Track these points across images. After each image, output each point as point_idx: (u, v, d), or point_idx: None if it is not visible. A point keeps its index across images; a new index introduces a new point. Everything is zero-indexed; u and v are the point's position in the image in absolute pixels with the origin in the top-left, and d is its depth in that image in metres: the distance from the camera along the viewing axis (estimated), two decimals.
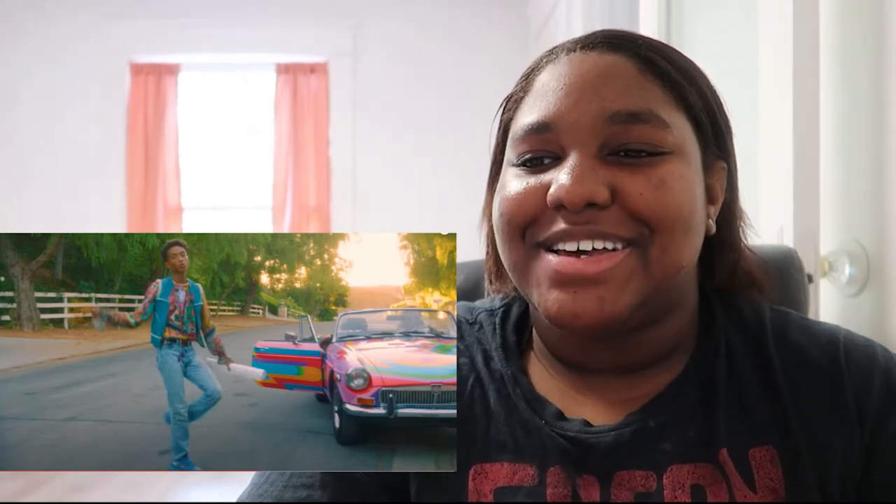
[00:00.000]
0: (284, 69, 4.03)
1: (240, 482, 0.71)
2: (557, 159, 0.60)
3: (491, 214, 0.67)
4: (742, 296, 0.69)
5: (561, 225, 0.58)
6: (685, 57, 0.64)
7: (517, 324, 0.72)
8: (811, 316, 0.91)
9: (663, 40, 0.95)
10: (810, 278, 1.00)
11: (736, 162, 0.68)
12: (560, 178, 0.57)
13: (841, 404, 0.61)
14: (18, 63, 3.95)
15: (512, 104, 0.66)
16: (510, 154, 0.64)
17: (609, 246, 0.58)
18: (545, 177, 0.60)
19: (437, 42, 4.00)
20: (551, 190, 0.58)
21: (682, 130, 0.60)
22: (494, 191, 0.67)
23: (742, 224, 0.69)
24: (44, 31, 3.94)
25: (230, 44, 3.98)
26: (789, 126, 1.09)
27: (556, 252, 0.59)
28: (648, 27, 1.84)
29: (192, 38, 3.97)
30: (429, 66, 4.00)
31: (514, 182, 0.61)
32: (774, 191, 1.13)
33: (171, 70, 4.02)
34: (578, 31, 2.65)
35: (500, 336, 0.70)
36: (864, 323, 1.07)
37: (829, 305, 1.14)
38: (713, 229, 0.64)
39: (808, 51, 1.09)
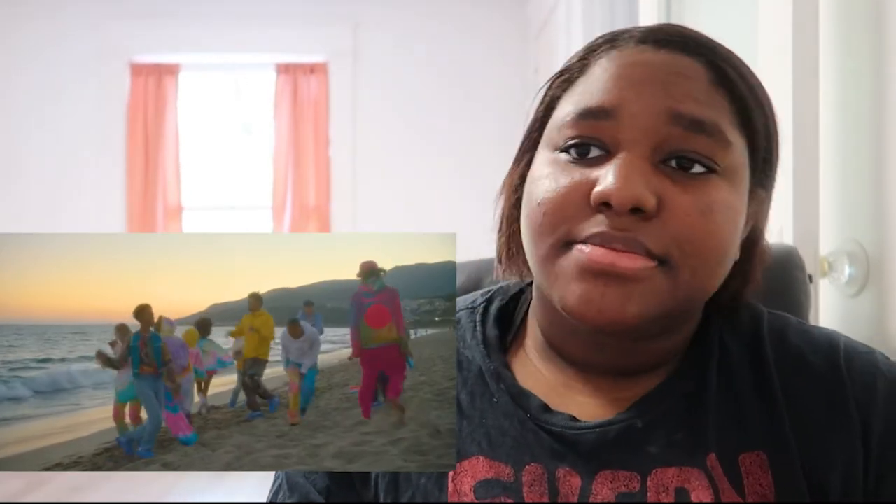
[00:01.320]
0: (284, 69, 4.03)
1: (240, 482, 0.71)
2: (606, 153, 0.56)
3: (510, 189, 0.65)
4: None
5: (600, 227, 0.54)
6: (753, 73, 0.61)
7: (499, 319, 0.70)
8: (811, 316, 0.90)
9: None
10: (810, 278, 1.00)
11: (772, 194, 0.65)
12: (609, 176, 0.54)
13: (842, 410, 0.60)
14: (18, 63, 3.95)
15: (562, 83, 0.61)
16: (553, 135, 0.59)
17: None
18: (593, 173, 0.56)
19: (436, 42, 4.00)
20: (598, 188, 0.54)
21: (739, 152, 0.58)
22: (520, 165, 0.64)
23: (761, 257, 0.66)
24: (44, 32, 3.94)
25: (230, 44, 3.98)
26: (789, 126, 1.08)
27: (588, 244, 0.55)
28: None
29: (192, 38, 3.97)
30: (429, 66, 4.00)
31: (560, 174, 0.57)
32: (774, 191, 1.13)
33: (171, 70, 4.02)
34: (578, 31, 2.65)
35: (482, 333, 0.68)
36: (863, 323, 1.07)
37: (828, 306, 1.14)
38: (737, 255, 0.62)
39: (808, 51, 1.09)
